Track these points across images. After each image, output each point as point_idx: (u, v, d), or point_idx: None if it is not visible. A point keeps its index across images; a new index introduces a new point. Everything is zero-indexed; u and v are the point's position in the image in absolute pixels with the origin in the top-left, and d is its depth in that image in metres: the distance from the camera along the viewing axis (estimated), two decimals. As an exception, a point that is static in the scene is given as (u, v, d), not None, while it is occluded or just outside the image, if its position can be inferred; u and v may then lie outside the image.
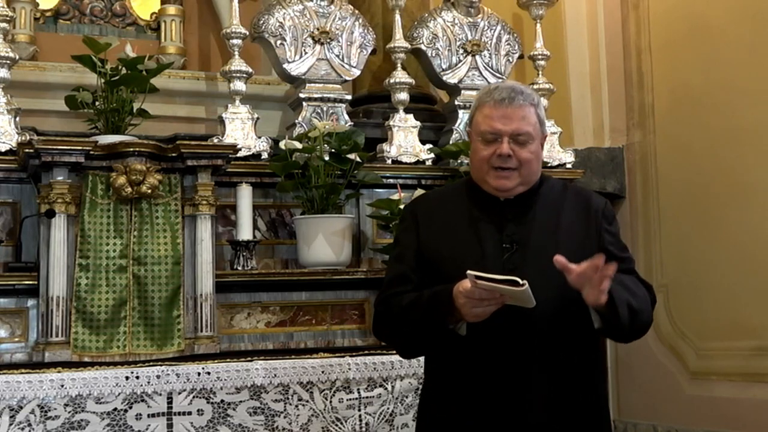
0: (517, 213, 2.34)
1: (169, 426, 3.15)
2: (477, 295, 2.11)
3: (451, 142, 4.45)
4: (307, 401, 3.30)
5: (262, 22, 4.26)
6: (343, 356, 3.41)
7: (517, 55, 4.74)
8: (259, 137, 4.12)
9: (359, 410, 3.36)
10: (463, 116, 4.56)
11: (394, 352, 3.42)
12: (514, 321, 2.21)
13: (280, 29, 4.25)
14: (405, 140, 4.36)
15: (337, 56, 4.34)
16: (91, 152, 3.54)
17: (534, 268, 2.23)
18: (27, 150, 3.51)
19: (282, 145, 4.01)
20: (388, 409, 3.39)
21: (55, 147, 3.47)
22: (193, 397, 3.18)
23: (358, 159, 4.03)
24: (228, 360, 3.32)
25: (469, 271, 2.09)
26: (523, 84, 2.43)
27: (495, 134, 2.30)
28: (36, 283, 3.51)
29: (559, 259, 2.12)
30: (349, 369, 3.37)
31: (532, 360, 2.25)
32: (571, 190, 2.48)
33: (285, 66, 4.27)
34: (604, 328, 2.27)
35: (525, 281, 2.07)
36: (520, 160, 2.30)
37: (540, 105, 2.39)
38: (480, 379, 2.27)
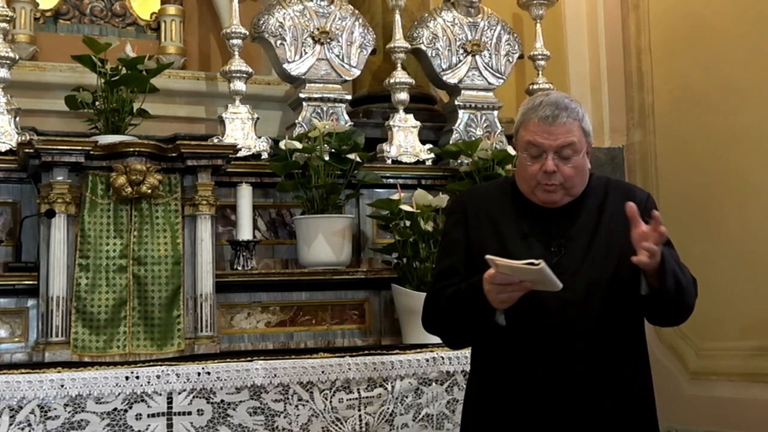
0: (564, 218, 2.39)
1: (169, 426, 3.15)
2: (498, 280, 2.16)
3: (451, 142, 4.45)
4: (307, 401, 3.30)
5: (262, 22, 4.26)
6: (343, 356, 3.40)
7: (517, 55, 4.74)
8: (259, 137, 4.12)
9: (359, 410, 3.35)
10: (463, 116, 4.56)
11: (395, 352, 3.46)
12: (556, 312, 2.26)
13: (280, 29, 4.25)
14: (405, 140, 4.36)
15: (337, 56, 4.34)
16: (91, 152, 3.54)
17: (582, 269, 2.27)
18: (27, 150, 3.51)
19: (282, 145, 4.01)
20: (388, 409, 3.38)
21: (55, 147, 3.47)
22: (193, 397, 3.18)
23: (358, 159, 4.03)
24: (228, 360, 3.31)
25: (487, 256, 2.14)
26: (566, 95, 2.46)
27: (539, 149, 2.34)
28: (36, 283, 3.51)
29: (632, 206, 2.18)
30: (349, 369, 3.37)
31: (577, 356, 2.27)
32: (613, 186, 2.52)
33: (285, 66, 4.27)
34: (649, 297, 2.27)
35: (541, 260, 2.10)
36: (564, 176, 2.34)
37: (585, 118, 2.43)
38: (523, 369, 2.30)
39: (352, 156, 4.00)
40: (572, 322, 2.27)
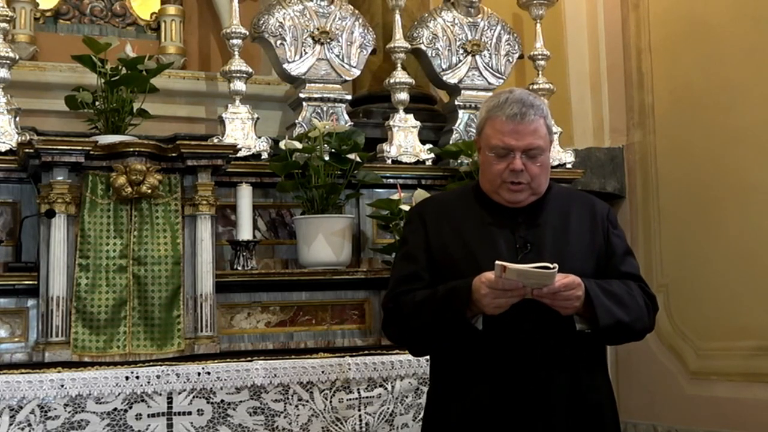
0: (528, 218, 2.38)
1: (169, 426, 3.15)
2: (502, 285, 2.14)
3: (451, 142, 4.45)
4: (307, 401, 3.30)
5: (262, 22, 4.25)
6: (343, 356, 3.40)
7: (517, 55, 4.74)
8: (259, 137, 4.12)
9: (359, 410, 3.36)
10: (463, 116, 4.56)
11: (395, 352, 3.46)
12: (530, 317, 2.25)
13: (280, 29, 4.25)
14: (405, 140, 4.36)
15: (337, 56, 4.34)
16: (91, 152, 3.54)
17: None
18: (27, 150, 3.51)
19: (282, 145, 4.01)
20: (388, 409, 3.38)
21: (55, 147, 3.47)
22: (193, 397, 3.18)
23: (358, 159, 4.03)
24: (228, 360, 3.31)
25: (498, 261, 2.13)
26: (529, 92, 2.44)
27: (507, 149, 2.33)
28: (36, 283, 3.51)
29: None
30: (349, 369, 3.37)
31: (550, 357, 2.28)
32: (575, 196, 2.54)
33: (285, 66, 4.27)
34: (587, 331, 2.29)
35: (556, 264, 2.11)
36: (531, 174, 2.34)
37: (548, 114, 2.41)
38: (497, 376, 2.28)
39: (352, 156, 4.00)
40: (546, 324, 2.26)
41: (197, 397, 3.18)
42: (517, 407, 2.26)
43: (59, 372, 3.09)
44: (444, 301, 2.26)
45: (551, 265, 2.11)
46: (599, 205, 2.50)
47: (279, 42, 4.25)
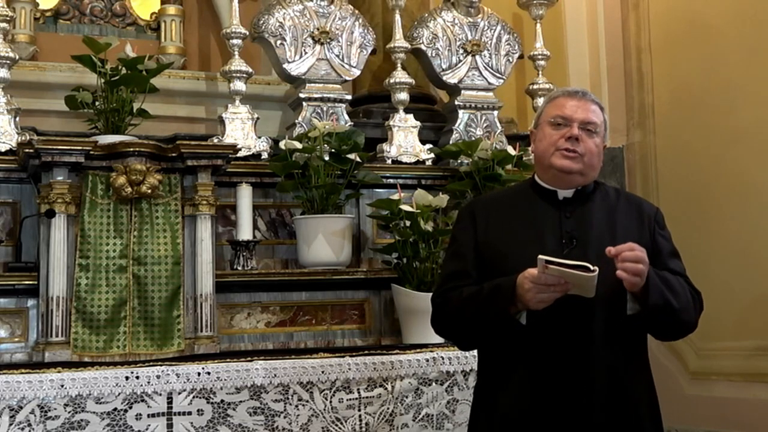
0: (575, 211, 2.41)
1: (169, 426, 3.15)
2: (544, 280, 2.17)
3: (451, 142, 4.45)
4: (307, 401, 3.30)
5: (262, 22, 4.26)
6: (343, 356, 3.40)
7: (517, 55, 4.74)
8: (259, 137, 4.12)
9: (359, 410, 3.35)
10: (463, 116, 4.56)
11: (395, 352, 3.46)
12: (574, 313, 2.27)
13: (280, 29, 4.25)
14: (405, 140, 4.36)
15: (337, 56, 4.34)
16: (91, 152, 3.54)
17: (593, 263, 2.27)
18: (27, 150, 3.51)
19: (282, 145, 4.01)
20: (388, 409, 3.38)
21: (55, 147, 3.47)
22: (193, 397, 3.18)
23: (358, 159, 4.03)
24: (228, 360, 3.31)
25: (540, 256, 2.15)
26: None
27: (566, 119, 2.39)
28: (36, 283, 3.51)
29: (610, 249, 2.22)
30: (349, 369, 3.37)
31: (593, 353, 2.30)
32: (623, 195, 2.57)
33: (285, 66, 4.27)
34: (638, 317, 2.32)
35: (596, 267, 2.13)
36: (586, 148, 2.39)
37: (606, 112, 2.49)
38: (540, 370, 2.31)
39: (352, 156, 4.00)
40: (588, 322, 2.29)
41: (197, 397, 3.18)
42: (558, 402, 2.28)
43: (59, 372, 3.09)
44: (489, 297, 2.31)
45: (592, 267, 2.13)
46: (646, 206, 2.55)
47: (279, 42, 4.25)
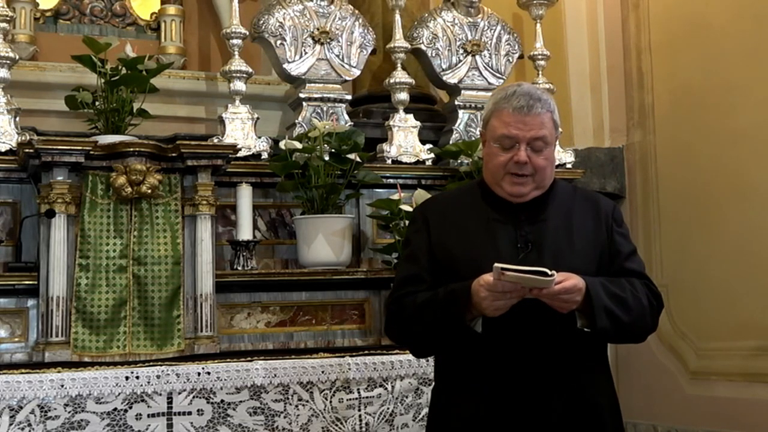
0: (531, 214, 2.36)
1: (169, 426, 3.15)
2: (500, 287, 2.14)
3: (451, 142, 4.45)
4: (307, 401, 3.30)
5: (262, 22, 4.26)
6: (343, 356, 3.40)
7: (517, 55, 4.74)
8: (259, 137, 4.12)
9: (359, 410, 3.36)
10: (463, 116, 4.56)
11: (395, 352, 3.46)
12: (530, 319, 2.24)
13: (280, 29, 4.25)
14: (405, 140, 4.36)
15: (337, 56, 4.34)
16: (91, 152, 3.54)
17: (550, 267, 2.23)
18: (27, 150, 3.51)
19: (282, 145, 4.01)
20: (388, 409, 3.38)
21: (55, 147, 3.47)
22: (193, 397, 3.18)
23: (358, 159, 4.03)
24: (228, 360, 3.31)
25: (496, 264, 2.11)
26: (536, 86, 2.45)
27: (512, 140, 2.32)
28: (36, 283, 3.51)
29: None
30: (349, 369, 3.37)
31: (550, 358, 2.27)
32: (579, 193, 2.51)
33: (285, 66, 4.27)
34: (587, 330, 2.28)
35: (554, 271, 2.10)
36: (536, 167, 2.32)
37: (555, 109, 2.40)
38: (497, 377, 2.28)
39: (352, 156, 4.00)
40: (545, 324, 2.25)
41: (197, 397, 3.18)
42: (516, 409, 2.26)
43: (59, 372, 3.09)
44: (444, 304, 2.26)
45: (549, 272, 2.10)
46: (603, 203, 2.48)
47: (279, 42, 4.25)
